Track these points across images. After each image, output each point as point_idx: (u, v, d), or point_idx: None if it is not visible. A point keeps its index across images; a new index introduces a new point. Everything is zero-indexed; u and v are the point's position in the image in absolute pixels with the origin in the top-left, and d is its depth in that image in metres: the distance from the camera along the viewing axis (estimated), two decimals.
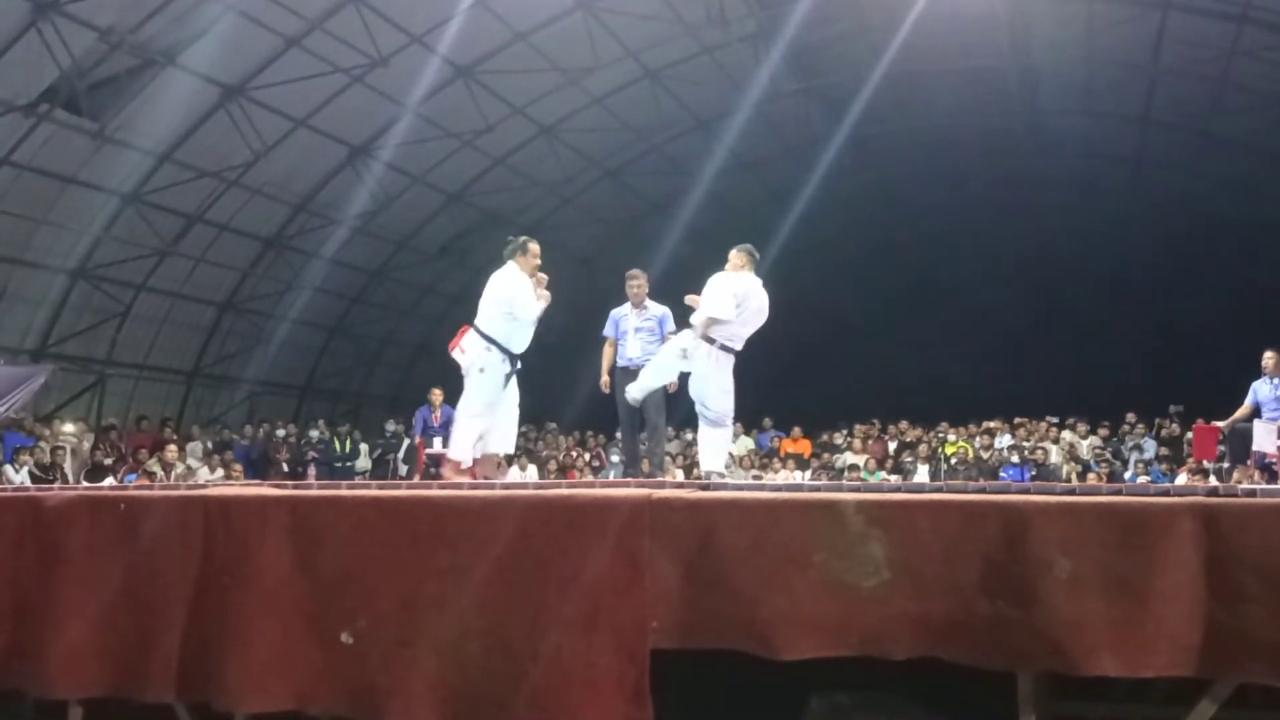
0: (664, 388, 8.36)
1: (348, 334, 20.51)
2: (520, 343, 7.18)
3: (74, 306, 15.77)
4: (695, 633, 3.75)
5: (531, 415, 19.08)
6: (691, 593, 3.72)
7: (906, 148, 21.45)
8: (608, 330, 8.76)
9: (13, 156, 13.43)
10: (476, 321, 7.10)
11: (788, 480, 14.58)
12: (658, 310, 8.61)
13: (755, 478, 15.14)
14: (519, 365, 7.22)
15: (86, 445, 14.10)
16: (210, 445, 15.65)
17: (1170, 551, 3.23)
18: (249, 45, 14.30)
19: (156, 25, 13.19)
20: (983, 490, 3.91)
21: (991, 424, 16.37)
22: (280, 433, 16.60)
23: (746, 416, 17.95)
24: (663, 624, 3.74)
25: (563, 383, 16.10)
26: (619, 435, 17.49)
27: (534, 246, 7.29)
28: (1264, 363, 10.10)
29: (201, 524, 4.19)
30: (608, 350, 8.73)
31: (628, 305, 8.66)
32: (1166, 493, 3.71)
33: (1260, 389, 10.11)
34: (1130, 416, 16.01)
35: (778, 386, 21.94)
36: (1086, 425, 16.14)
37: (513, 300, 6.99)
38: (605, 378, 8.75)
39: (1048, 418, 16.45)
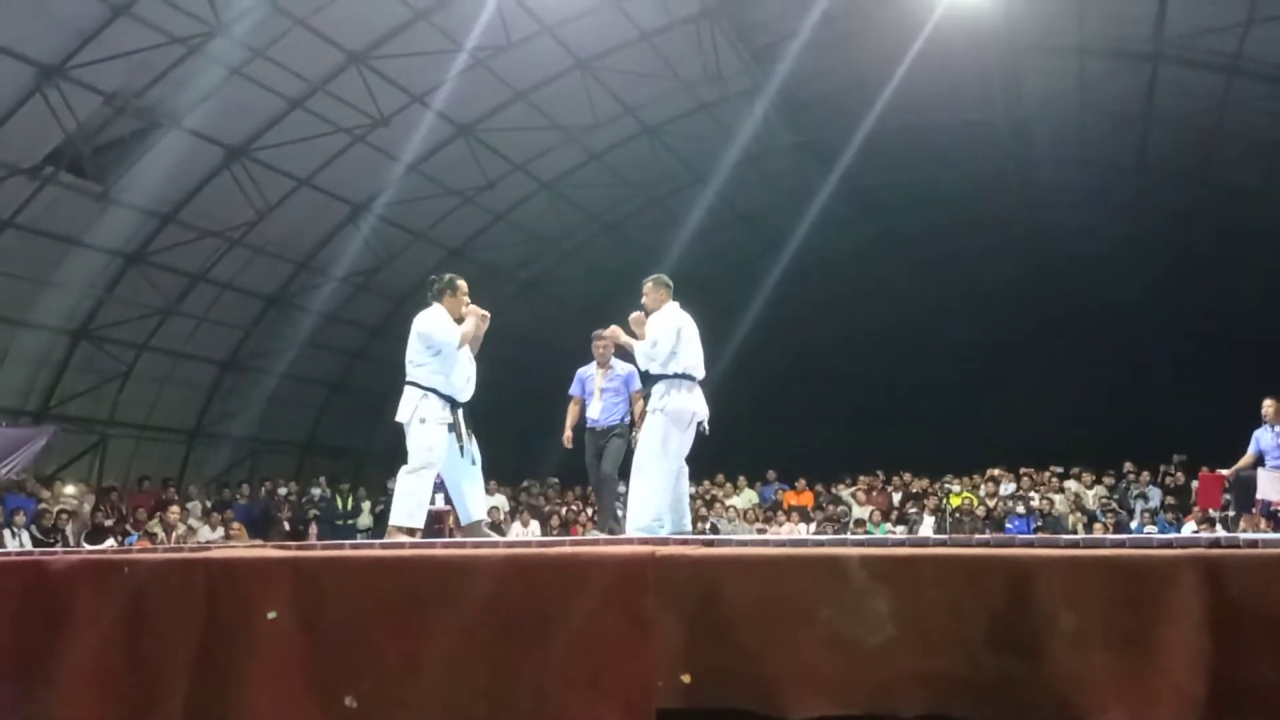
0: (628, 441, 8.34)
1: (349, 391, 20.54)
2: (459, 385, 6.75)
3: (76, 367, 15.82)
4: (701, 692, 3.72)
5: (534, 471, 19.14)
6: (696, 651, 3.70)
7: (903, 198, 21.65)
8: (574, 390, 8.82)
9: (17, 219, 13.57)
10: (408, 376, 6.68)
11: (792, 534, 14.51)
12: (623, 369, 8.63)
13: (759, 531, 15.09)
14: (463, 422, 6.77)
15: (87, 507, 14.07)
16: (210, 504, 15.61)
17: (1174, 603, 3.22)
18: (252, 107, 14.51)
19: (161, 89, 13.41)
20: (987, 543, 3.90)
21: (995, 472, 16.34)
22: (282, 491, 16.58)
23: (750, 469, 17.95)
24: (668, 683, 3.72)
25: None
26: (620, 490, 17.49)
27: (462, 284, 6.91)
28: (1264, 410, 10.12)
29: (204, 586, 4.17)
30: (573, 409, 8.78)
31: (593, 365, 8.73)
32: (1169, 544, 3.70)
33: (1262, 437, 10.12)
34: (1134, 465, 15.97)
35: (780, 438, 21.96)
36: (1091, 474, 16.10)
37: (432, 334, 6.60)
38: (569, 433, 8.79)
39: (1052, 467, 16.42)
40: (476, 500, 6.95)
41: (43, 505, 13.23)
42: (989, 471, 16.39)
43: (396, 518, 6.56)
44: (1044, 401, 22.67)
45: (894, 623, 3.48)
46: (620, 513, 8.03)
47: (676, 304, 7.20)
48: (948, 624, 3.44)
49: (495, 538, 7.20)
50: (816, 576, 3.63)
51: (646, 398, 7.10)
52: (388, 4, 13.76)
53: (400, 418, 6.64)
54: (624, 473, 7.92)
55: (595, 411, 8.53)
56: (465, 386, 6.83)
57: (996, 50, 15.76)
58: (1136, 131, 17.57)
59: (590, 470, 8.76)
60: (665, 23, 15.31)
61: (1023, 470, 16.37)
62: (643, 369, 7.11)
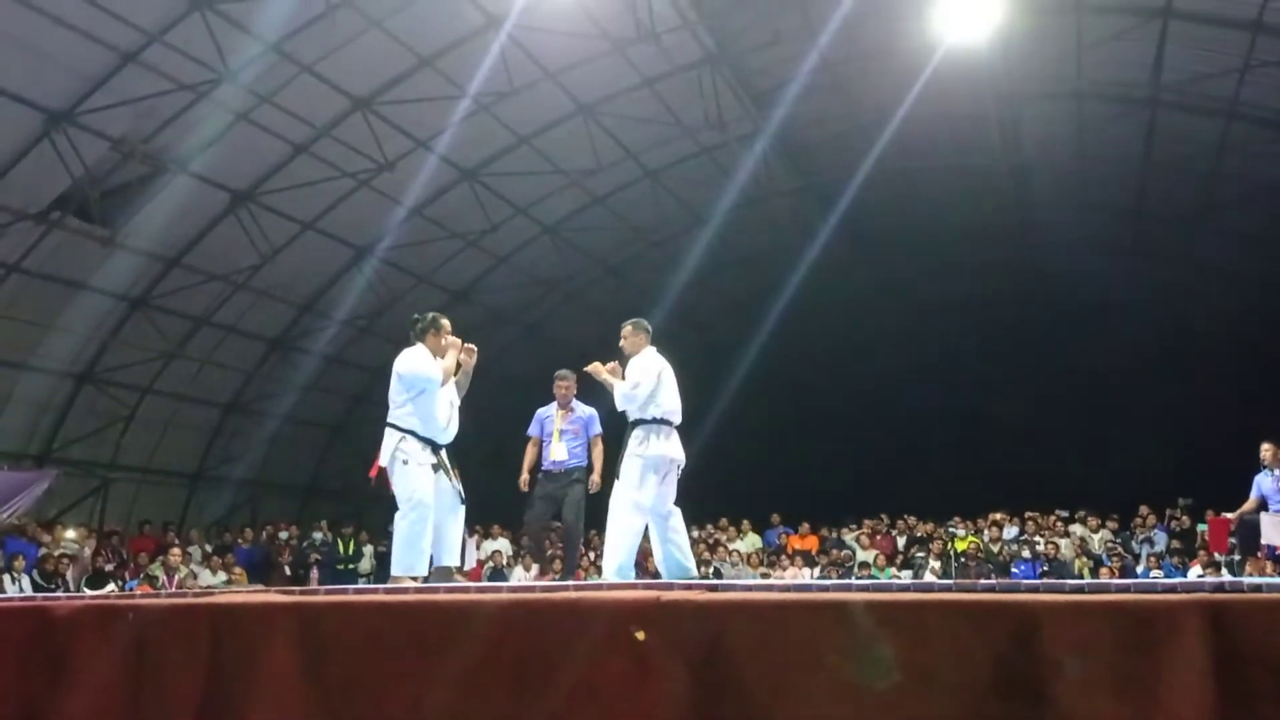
0: (585, 488, 8.33)
1: (351, 434, 20.52)
2: (440, 426, 6.58)
3: (80, 410, 15.84)
4: None
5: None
6: (702, 697, 3.68)
7: (903, 242, 21.76)
8: (532, 430, 8.65)
9: (23, 263, 13.64)
10: (388, 418, 6.51)
11: (796, 578, 14.44)
12: (584, 412, 8.57)
13: (763, 576, 15.01)
14: (447, 462, 6.64)
15: (88, 552, 14.01)
16: (211, 549, 15.55)
17: (1179, 649, 3.21)
18: (258, 151, 14.65)
19: (169, 134, 13.54)
20: (992, 588, 3.89)
21: (998, 515, 16.28)
22: (283, 535, 16.52)
23: (754, 514, 17.90)
24: None
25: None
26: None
27: (445, 323, 6.78)
28: (1262, 455, 10.11)
29: (208, 632, 4.17)
30: (530, 450, 8.60)
31: (554, 406, 8.63)
32: (1174, 589, 3.69)
33: (1263, 482, 10.10)
34: (1142, 509, 15.91)
35: (784, 482, 21.91)
36: (1097, 518, 16.04)
37: (413, 373, 6.47)
38: (525, 475, 8.59)
39: (1057, 510, 16.35)
40: (453, 544, 6.72)
41: (43, 550, 13.18)
42: (993, 515, 16.33)
43: (397, 568, 6.37)
44: (1048, 445, 22.63)
45: (900, 668, 3.47)
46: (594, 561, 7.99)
47: (654, 349, 7.16)
48: (954, 670, 3.43)
49: (466, 583, 7.01)
50: (822, 622, 3.62)
51: (625, 442, 6.95)
52: (393, 51, 13.93)
53: (382, 461, 6.47)
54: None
55: (558, 453, 8.37)
56: (447, 428, 6.67)
57: (995, 94, 15.93)
58: (1136, 175, 17.71)
59: (532, 508, 8.57)
60: (667, 69, 15.49)
61: (1028, 514, 16.31)
62: (620, 410, 6.99)
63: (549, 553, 8.91)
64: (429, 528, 6.43)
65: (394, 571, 6.39)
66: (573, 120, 16.36)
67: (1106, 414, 23.05)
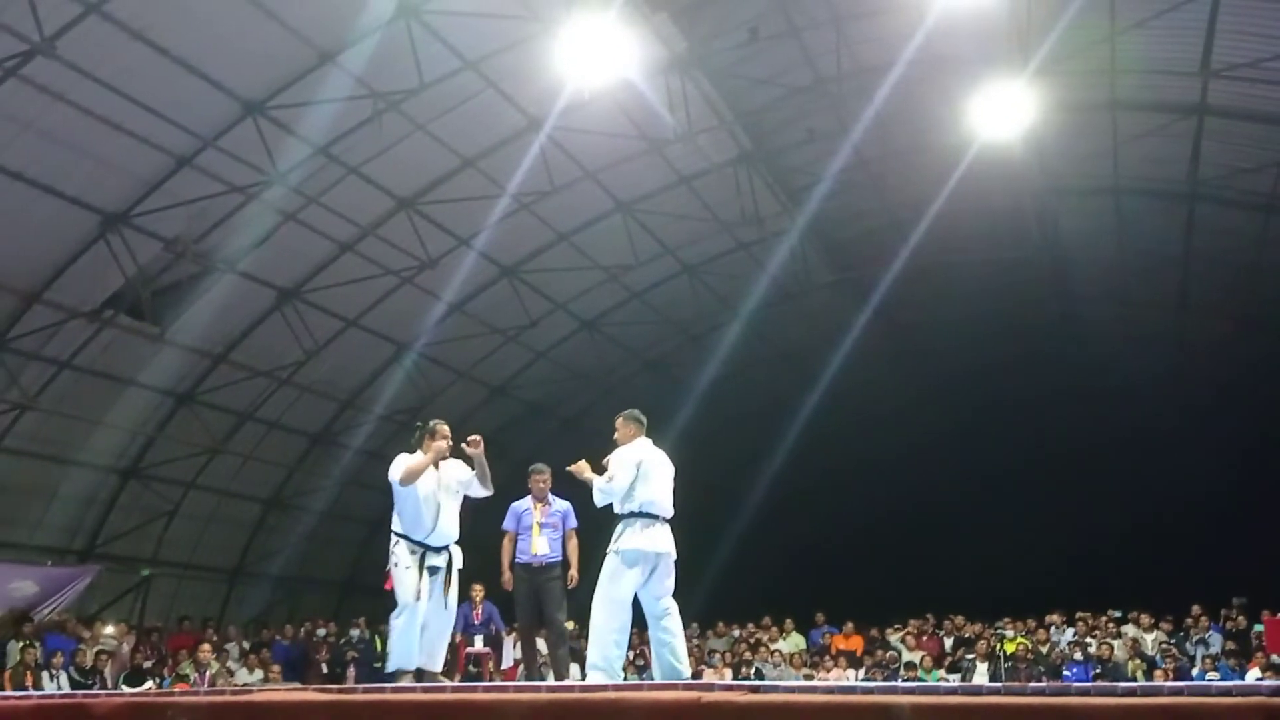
0: (564, 581, 8.32)
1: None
2: (427, 529, 6.85)
3: (123, 506, 15.98)
4: None
5: (574, 613, 18.84)
6: None
7: (942, 335, 21.73)
8: (508, 524, 8.62)
9: (75, 360, 13.93)
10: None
11: (840, 680, 14.09)
12: (560, 505, 8.63)
13: (806, 677, 14.67)
14: (445, 560, 6.92)
15: (126, 648, 13.99)
16: (249, 645, 15.47)
17: None
18: (305, 250, 14.98)
19: (219, 234, 13.90)
20: (1043, 692, 3.78)
21: (1052, 617, 15.85)
22: (321, 632, 16.40)
23: (797, 613, 17.56)
24: None
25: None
26: None
27: (443, 429, 7.05)
28: None
29: None
30: (507, 545, 8.58)
31: (529, 499, 8.64)
32: (1229, 692, 3.57)
33: None
34: (1195, 609, 15.43)
35: (828, 581, 21.53)
36: (1150, 618, 15.57)
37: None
38: (507, 574, 8.58)
39: (1110, 611, 15.90)
40: (434, 648, 7.01)
41: (81, 646, 13.18)
42: (1045, 618, 15.90)
43: (390, 663, 6.80)
44: (1098, 543, 22.17)
45: None
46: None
47: (649, 440, 7.05)
48: None
49: (446, 683, 7.14)
50: None
51: (611, 536, 6.86)
52: (437, 152, 14.30)
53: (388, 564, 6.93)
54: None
55: (538, 547, 8.38)
56: (435, 529, 6.87)
57: (1032, 189, 16.02)
58: (1176, 269, 17.62)
59: (523, 606, 8.55)
60: (704, 167, 15.76)
61: (1079, 614, 15.86)
62: (599, 506, 6.88)
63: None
64: (416, 625, 6.81)
65: (388, 666, 6.82)
66: (611, 217, 16.64)
67: (1155, 512, 22.56)
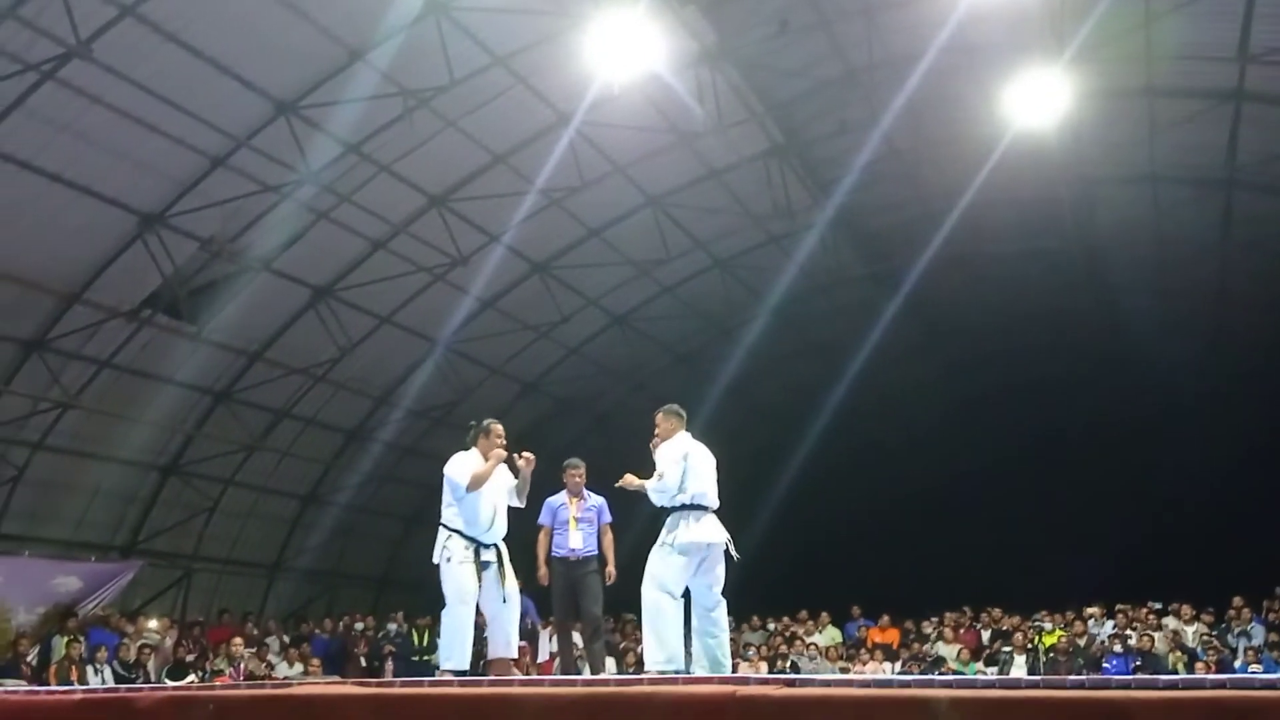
0: (601, 575, 8.36)
1: (426, 524, 20.56)
2: (484, 526, 7.04)
3: (165, 503, 16.20)
4: None
5: (609, 607, 18.89)
6: None
7: (976, 326, 21.56)
8: (544, 519, 8.69)
9: (115, 359, 14.12)
10: (440, 517, 7.14)
11: (876, 673, 14.04)
12: (595, 500, 8.68)
13: (842, 670, 14.63)
14: (499, 556, 7.07)
15: (169, 642, 14.19)
16: (288, 639, 15.65)
17: None
18: (338, 248, 15.10)
19: (254, 233, 14.04)
20: (1082, 685, 3.75)
21: (1091, 610, 15.71)
22: (359, 626, 16.55)
23: (833, 606, 17.51)
24: None
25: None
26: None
27: (497, 428, 7.27)
28: None
29: None
30: (543, 540, 8.65)
31: (564, 494, 8.69)
32: (1272, 684, 3.53)
33: None
34: (1237, 601, 15.24)
35: (863, 573, 21.43)
36: (1191, 610, 15.39)
37: (451, 478, 6.99)
38: (544, 569, 8.66)
39: (1149, 603, 15.74)
40: (506, 637, 7.12)
41: (125, 640, 13.37)
42: (1084, 610, 15.75)
43: (441, 660, 6.90)
44: (1136, 534, 21.88)
45: None
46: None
47: (688, 434, 7.14)
48: None
49: (519, 677, 7.28)
50: (905, 718, 3.52)
51: (659, 531, 6.92)
52: (468, 149, 14.35)
53: (435, 559, 7.03)
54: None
55: (575, 542, 8.43)
56: (491, 528, 7.06)
57: (1066, 178, 15.84)
58: (1215, 258, 17.38)
59: (560, 600, 8.60)
60: (734, 160, 15.71)
61: (1118, 607, 15.72)
62: (658, 505, 6.93)
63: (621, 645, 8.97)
64: (469, 623, 6.86)
65: (440, 664, 6.92)
66: (642, 212, 16.64)
67: (1195, 502, 22.26)
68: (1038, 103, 12.95)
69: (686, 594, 6.97)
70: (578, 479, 8.71)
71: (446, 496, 7.04)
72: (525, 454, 7.12)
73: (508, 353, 18.63)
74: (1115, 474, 23.09)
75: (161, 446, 15.81)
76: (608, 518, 8.63)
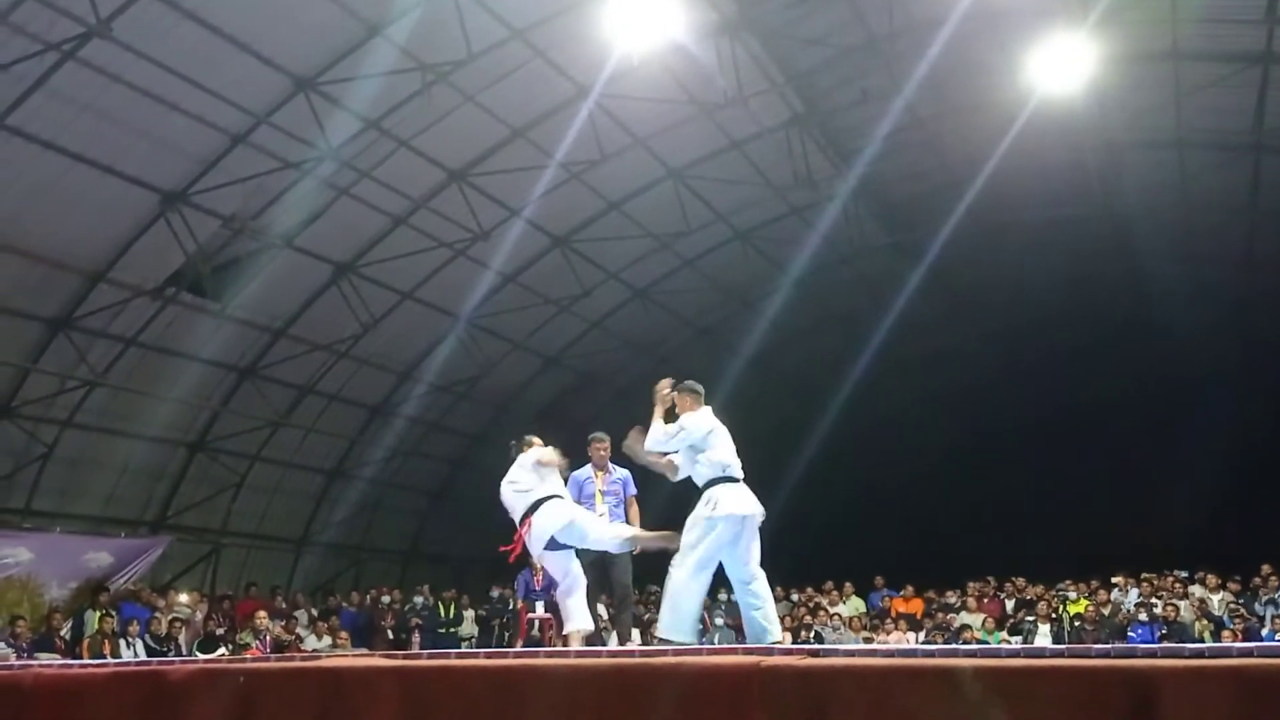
0: (630, 551, 8.23)
1: (450, 498, 20.79)
2: None
3: (192, 478, 16.37)
4: None
5: (634, 578, 18.99)
6: None
7: (1001, 295, 21.41)
8: (570, 492, 8.50)
9: (141, 337, 14.25)
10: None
11: (900, 643, 14.06)
12: (621, 473, 8.67)
13: (866, 640, 14.66)
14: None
15: (200, 616, 14.37)
16: (316, 613, 15.83)
17: None
18: (359, 225, 15.13)
19: (275, 210, 14.09)
20: (1107, 654, 3.73)
21: (1117, 579, 15.66)
22: (385, 599, 16.72)
23: (857, 576, 17.54)
24: None
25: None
26: (721, 598, 17.26)
27: (534, 440, 7.57)
28: None
29: (316, 696, 4.24)
30: None
31: (589, 468, 8.68)
32: None
33: None
34: (1264, 568, 15.15)
35: (887, 543, 21.45)
36: (1216, 578, 15.32)
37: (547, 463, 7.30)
38: None
39: (1175, 571, 15.68)
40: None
41: (156, 614, 13.56)
42: (1115, 578, 15.70)
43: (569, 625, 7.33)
44: (1161, 503, 21.78)
45: None
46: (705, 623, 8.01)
47: (709, 409, 7.13)
48: None
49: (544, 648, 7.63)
50: (928, 689, 3.53)
51: (702, 503, 6.88)
52: (487, 123, 14.32)
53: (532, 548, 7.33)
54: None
55: (600, 514, 8.42)
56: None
57: (1092, 144, 15.67)
58: (1243, 223, 17.17)
59: (588, 573, 8.42)
60: (755, 131, 15.60)
61: (1144, 575, 15.66)
62: (648, 448, 6.98)
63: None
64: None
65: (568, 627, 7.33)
66: (662, 185, 16.57)
67: (1223, 470, 22.10)
68: (1062, 68, 12.79)
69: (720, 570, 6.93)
70: (602, 452, 8.72)
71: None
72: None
73: (529, 327, 18.66)
74: (1141, 442, 22.98)
75: (188, 423, 15.97)
76: (633, 490, 8.66)
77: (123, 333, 14.04)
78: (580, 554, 8.51)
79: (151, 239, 13.18)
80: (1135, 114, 14.99)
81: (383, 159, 14.06)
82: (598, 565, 8.50)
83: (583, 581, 7.38)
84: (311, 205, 14.25)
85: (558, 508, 7.11)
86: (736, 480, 6.82)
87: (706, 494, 6.78)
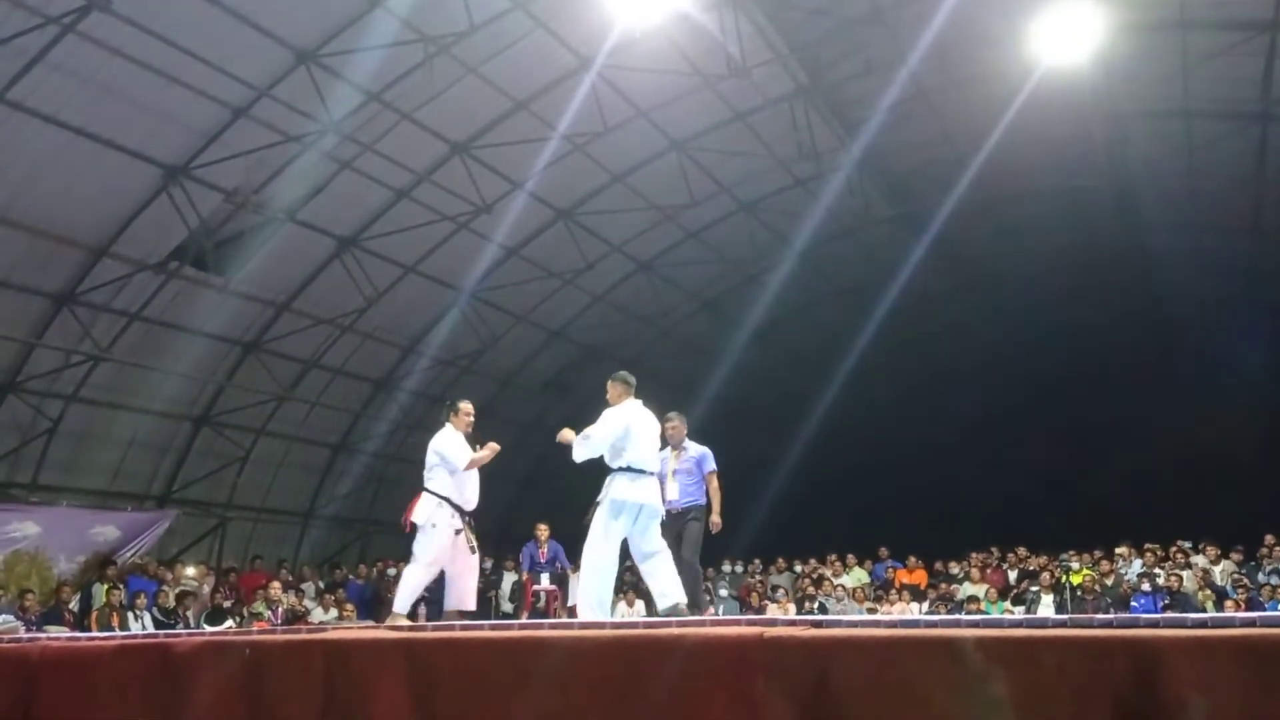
0: (702, 525, 8.53)
1: (430, 491, 20.74)
2: (469, 497, 7.79)
3: (198, 452, 16.43)
4: None
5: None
6: None
7: (1006, 267, 21.34)
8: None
9: (144, 312, 14.25)
10: (425, 484, 7.75)
11: (904, 614, 14.13)
12: (695, 451, 8.70)
13: (869, 611, 14.73)
14: (471, 522, 7.78)
15: (206, 588, 14.46)
16: (323, 585, 15.91)
17: None
18: (361, 198, 15.10)
19: (277, 184, 14.05)
20: (1110, 624, 3.75)
21: (1119, 550, 15.69)
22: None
23: (860, 547, 17.60)
24: None
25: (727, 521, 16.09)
26: (725, 569, 17.29)
27: (465, 405, 8.00)
28: None
29: (322, 667, 4.27)
30: None
31: (666, 448, 8.65)
32: None
33: None
34: (1267, 539, 15.17)
35: (891, 514, 21.50)
36: (1217, 549, 15.35)
37: (445, 455, 7.67)
38: None
39: (1179, 541, 15.70)
40: (469, 592, 7.89)
41: (164, 587, 13.64)
42: (1118, 549, 15.72)
43: (399, 606, 7.65)
44: (1164, 472, 21.80)
45: (1013, 708, 3.37)
46: (707, 597, 8.06)
47: (638, 401, 7.48)
48: (1071, 710, 3.32)
49: (549, 620, 7.87)
50: (931, 659, 3.55)
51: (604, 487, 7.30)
52: (489, 95, 14.24)
53: (418, 520, 7.69)
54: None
55: (671, 493, 8.46)
56: (473, 498, 7.88)
57: (1098, 114, 15.55)
58: (1250, 194, 17.05)
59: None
60: (759, 102, 15.52)
61: (1147, 546, 15.69)
62: (577, 461, 7.30)
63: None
64: (425, 582, 7.83)
65: (396, 608, 7.67)
66: (666, 157, 16.50)
67: (1227, 439, 22.11)
68: (1068, 38, 12.67)
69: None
70: (675, 431, 8.68)
71: (438, 467, 7.72)
72: (491, 445, 7.86)
73: (533, 300, 18.64)
74: (1145, 413, 22.96)
75: (193, 397, 16.00)
76: (711, 466, 8.62)
77: (127, 307, 14.04)
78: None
79: (154, 213, 13.16)
80: (1142, 84, 14.86)
81: (385, 132, 14.00)
82: (673, 545, 8.46)
83: (433, 569, 7.74)
84: (314, 179, 14.22)
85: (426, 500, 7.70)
86: (640, 472, 7.27)
87: (609, 479, 7.28)
